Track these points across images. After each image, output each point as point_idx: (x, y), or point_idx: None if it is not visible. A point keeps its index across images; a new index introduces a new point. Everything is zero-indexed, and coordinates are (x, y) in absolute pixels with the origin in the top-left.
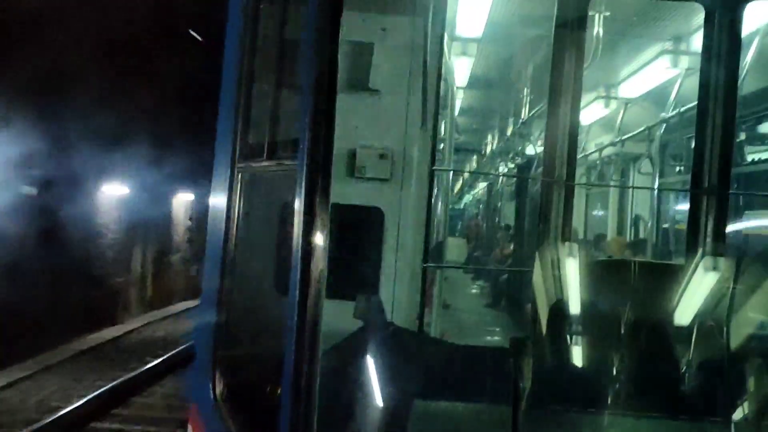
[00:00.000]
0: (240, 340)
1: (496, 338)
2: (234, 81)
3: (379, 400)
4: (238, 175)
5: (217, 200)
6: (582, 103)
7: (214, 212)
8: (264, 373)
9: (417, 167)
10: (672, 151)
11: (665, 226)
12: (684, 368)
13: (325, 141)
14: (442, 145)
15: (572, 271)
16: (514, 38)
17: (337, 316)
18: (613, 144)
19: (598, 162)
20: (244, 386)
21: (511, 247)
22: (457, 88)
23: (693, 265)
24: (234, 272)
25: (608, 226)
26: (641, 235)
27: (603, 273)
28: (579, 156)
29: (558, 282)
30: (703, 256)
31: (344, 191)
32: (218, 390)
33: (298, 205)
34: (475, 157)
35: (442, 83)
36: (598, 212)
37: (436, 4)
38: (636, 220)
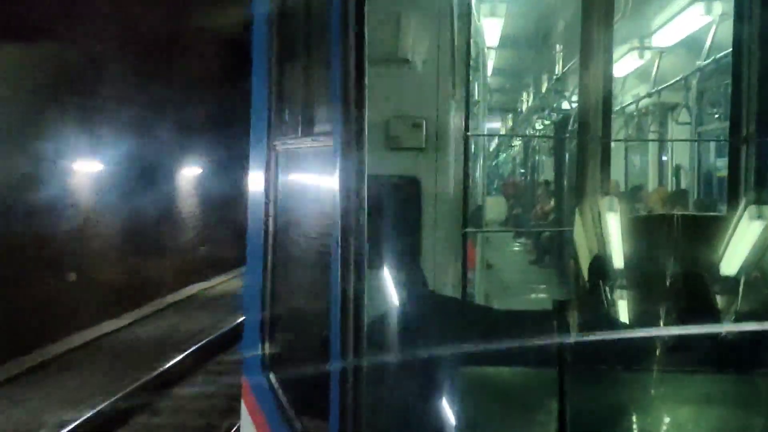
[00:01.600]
0: (288, 316)
1: (541, 296)
2: (265, 59)
3: (424, 369)
4: (274, 152)
5: (256, 178)
6: (616, 55)
7: (253, 190)
8: (313, 347)
9: (451, 134)
10: (709, 99)
11: (706, 175)
12: (731, 321)
13: (357, 113)
14: (475, 109)
15: (613, 225)
16: None
17: (380, 286)
18: (649, 95)
19: (635, 113)
20: (294, 361)
21: (552, 203)
22: (489, 48)
23: (736, 216)
24: (276, 249)
25: (648, 177)
26: (682, 185)
27: (644, 228)
28: (616, 108)
29: (599, 238)
30: (746, 205)
31: (380, 162)
32: (269, 365)
33: (335, 179)
34: (510, 115)
35: (473, 46)
36: (637, 164)
37: None
38: (677, 171)
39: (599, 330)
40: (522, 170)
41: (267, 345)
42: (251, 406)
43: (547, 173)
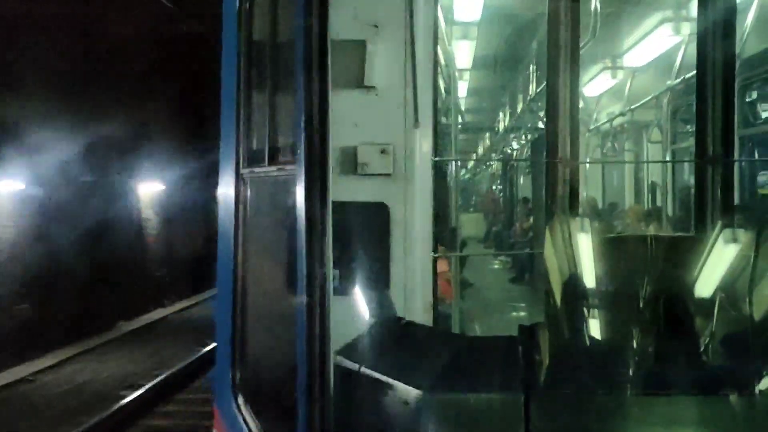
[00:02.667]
0: (259, 343)
1: (521, 314)
2: (234, 89)
3: (392, 397)
4: (242, 180)
5: (225, 205)
6: (590, 75)
7: (223, 217)
8: (282, 376)
9: (419, 160)
10: (681, 117)
11: (681, 192)
12: (706, 343)
13: (320, 141)
14: (448, 131)
15: (585, 246)
16: (512, 18)
17: (349, 313)
18: (623, 114)
19: (610, 132)
20: (264, 388)
21: (531, 220)
22: (463, 70)
23: (711, 238)
24: (246, 277)
25: (625, 195)
26: (658, 202)
27: (616, 249)
28: (591, 127)
29: (570, 258)
30: (715, 225)
31: (350, 189)
32: (239, 395)
33: (299, 206)
34: (488, 134)
35: (444, 70)
36: (615, 181)
37: None
38: (652, 188)
39: (567, 355)
40: (500, 188)
41: (238, 372)
42: None
43: (525, 191)
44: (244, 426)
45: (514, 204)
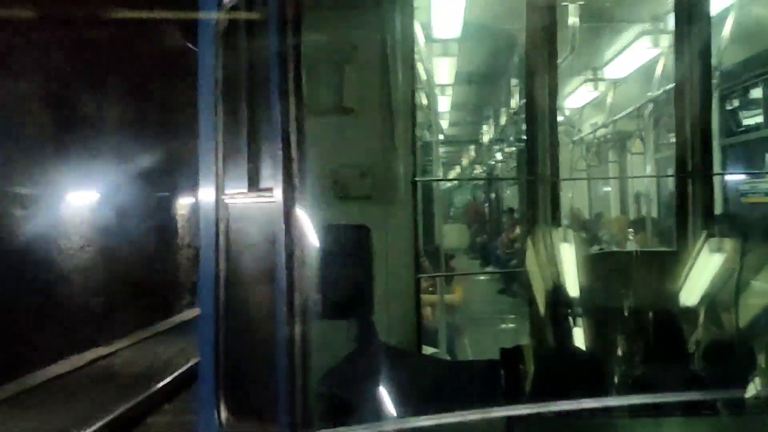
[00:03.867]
0: (242, 372)
1: (511, 326)
2: (212, 115)
3: (375, 422)
4: (223, 206)
5: (206, 233)
6: (572, 87)
7: (205, 245)
8: (266, 400)
9: (398, 181)
10: (662, 128)
11: (666, 202)
12: (691, 356)
13: (298, 167)
14: (429, 149)
15: (567, 257)
16: (492, 35)
17: (332, 339)
18: (605, 125)
19: (593, 142)
20: (249, 414)
21: (517, 230)
22: (445, 86)
23: (696, 249)
24: (229, 303)
25: (610, 206)
26: (643, 212)
27: (599, 264)
28: (575, 138)
29: (553, 269)
30: (706, 238)
31: (329, 212)
32: (223, 419)
33: (279, 234)
34: (472, 147)
35: (426, 87)
36: (600, 193)
37: (404, 18)
38: (637, 199)
39: (557, 371)
40: (484, 198)
41: (222, 402)
42: None
43: (511, 201)
44: None
45: (500, 214)
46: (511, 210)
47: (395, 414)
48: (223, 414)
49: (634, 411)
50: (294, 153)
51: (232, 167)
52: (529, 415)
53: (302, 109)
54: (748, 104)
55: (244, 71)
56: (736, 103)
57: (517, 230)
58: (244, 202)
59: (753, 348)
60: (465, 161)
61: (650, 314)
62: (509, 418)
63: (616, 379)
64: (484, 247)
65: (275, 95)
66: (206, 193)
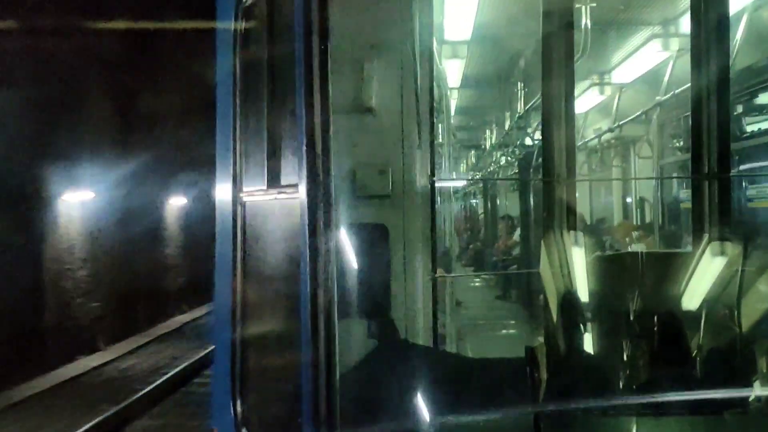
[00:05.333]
0: (260, 370)
1: (511, 332)
2: (230, 110)
3: (398, 420)
4: (240, 204)
5: (223, 230)
6: (577, 91)
7: (221, 242)
8: (284, 397)
9: (417, 180)
10: (669, 132)
11: (670, 208)
12: (696, 356)
13: (323, 165)
14: (441, 150)
15: (579, 261)
16: (503, 37)
17: (351, 336)
18: (611, 130)
19: (598, 148)
20: (265, 410)
21: (515, 238)
22: (452, 88)
23: (699, 252)
24: (246, 300)
25: (614, 211)
26: (647, 218)
27: (611, 265)
28: (578, 143)
29: (566, 273)
30: (708, 241)
31: (348, 210)
32: (239, 415)
33: (303, 232)
34: (473, 152)
35: (436, 90)
36: (603, 198)
37: (423, 18)
38: (641, 204)
39: (572, 372)
40: (483, 205)
41: (238, 399)
42: None
43: (511, 208)
44: None
45: (496, 222)
46: (508, 217)
47: (420, 411)
48: (239, 408)
49: (659, 408)
50: (319, 150)
51: (250, 165)
52: (554, 413)
53: (327, 107)
54: (753, 109)
55: (265, 69)
56: (740, 108)
57: (515, 238)
58: (263, 200)
59: (754, 352)
60: (464, 167)
61: (664, 314)
62: (536, 415)
63: (638, 378)
64: (478, 253)
65: (300, 92)
66: (223, 191)
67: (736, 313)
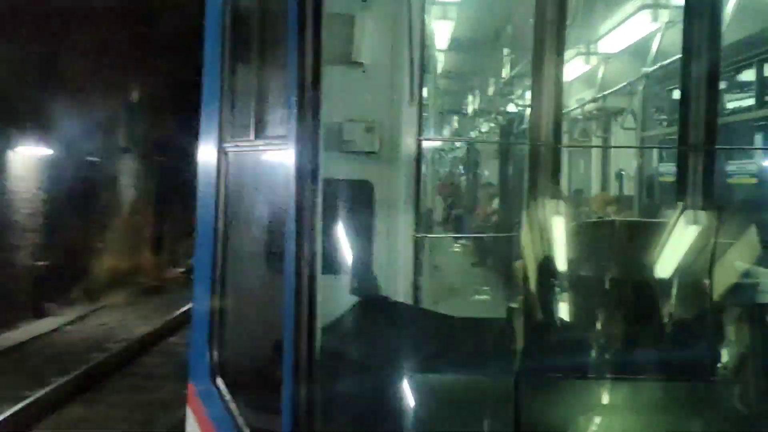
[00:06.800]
0: (238, 321)
1: (485, 297)
2: (218, 59)
3: (378, 376)
4: (224, 154)
5: (205, 180)
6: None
7: (203, 192)
8: (264, 352)
9: (404, 138)
10: (654, 105)
11: (649, 180)
12: (669, 323)
13: (313, 117)
14: (426, 112)
15: (559, 229)
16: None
17: (333, 291)
18: (594, 100)
19: (580, 117)
20: (244, 365)
21: (494, 204)
22: (438, 51)
23: (673, 220)
24: (227, 252)
25: (591, 182)
26: (625, 190)
27: (591, 233)
28: (563, 111)
29: (546, 241)
30: (683, 209)
31: (333, 166)
32: (217, 370)
33: (290, 183)
34: (455, 117)
35: (425, 49)
36: (582, 169)
37: None
38: (619, 176)
39: (550, 335)
40: (464, 172)
41: (215, 349)
42: (198, 412)
43: (491, 175)
44: (221, 402)
45: (477, 188)
46: (489, 184)
47: (400, 368)
48: (216, 360)
49: (632, 372)
50: (308, 103)
51: (237, 115)
52: (534, 374)
53: (319, 60)
54: (738, 85)
55: (256, 19)
56: (723, 84)
57: (494, 205)
58: (248, 150)
59: (724, 319)
60: (446, 132)
61: (641, 281)
62: (517, 376)
63: (613, 343)
64: (459, 218)
65: (293, 42)
66: (207, 140)
67: (708, 281)
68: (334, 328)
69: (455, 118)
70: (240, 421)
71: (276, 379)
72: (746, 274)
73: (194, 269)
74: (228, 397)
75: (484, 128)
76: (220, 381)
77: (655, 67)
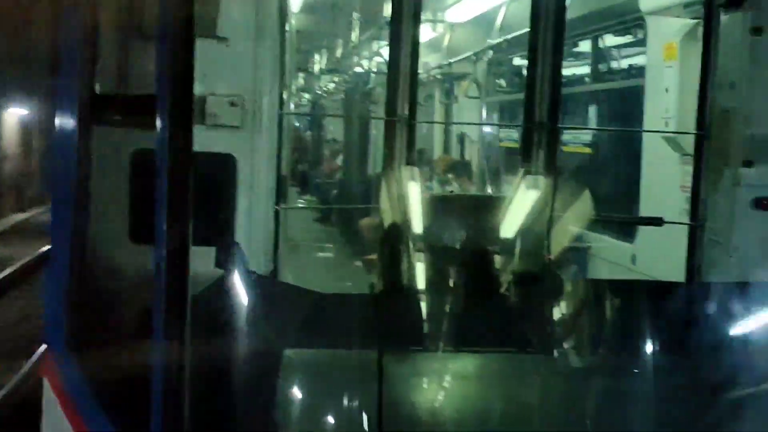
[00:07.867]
0: (100, 288)
1: (328, 255)
2: (79, 32)
3: (243, 350)
4: (86, 124)
5: (65, 154)
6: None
7: (63, 165)
8: (125, 314)
9: (266, 112)
10: (497, 74)
11: (490, 145)
12: (510, 283)
13: (184, 89)
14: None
15: (414, 195)
16: None
17: (198, 265)
18: (440, 66)
19: (425, 82)
20: (102, 326)
21: (338, 161)
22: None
23: (516, 184)
24: (88, 217)
25: (434, 145)
26: (466, 154)
27: (441, 204)
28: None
29: (401, 206)
30: (523, 174)
31: (197, 139)
32: (73, 330)
33: (161, 155)
34: (301, 74)
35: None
36: (424, 131)
37: None
38: (461, 140)
39: (407, 307)
40: (309, 128)
41: (75, 317)
42: (55, 384)
43: (336, 133)
44: (81, 373)
45: (323, 145)
46: (334, 140)
47: (264, 342)
48: (73, 323)
49: (480, 344)
50: (179, 76)
51: (102, 86)
52: (396, 347)
53: (190, 33)
54: (573, 57)
55: None
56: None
57: (338, 161)
58: (116, 123)
59: (561, 278)
60: (299, 85)
61: (481, 252)
62: (379, 349)
63: (459, 312)
64: (304, 176)
65: (163, 16)
66: (65, 112)
67: (546, 241)
68: (199, 300)
69: (301, 75)
70: (102, 392)
71: (139, 346)
72: (579, 237)
73: (51, 229)
74: (87, 365)
75: (330, 86)
76: (80, 350)
77: (500, 39)
